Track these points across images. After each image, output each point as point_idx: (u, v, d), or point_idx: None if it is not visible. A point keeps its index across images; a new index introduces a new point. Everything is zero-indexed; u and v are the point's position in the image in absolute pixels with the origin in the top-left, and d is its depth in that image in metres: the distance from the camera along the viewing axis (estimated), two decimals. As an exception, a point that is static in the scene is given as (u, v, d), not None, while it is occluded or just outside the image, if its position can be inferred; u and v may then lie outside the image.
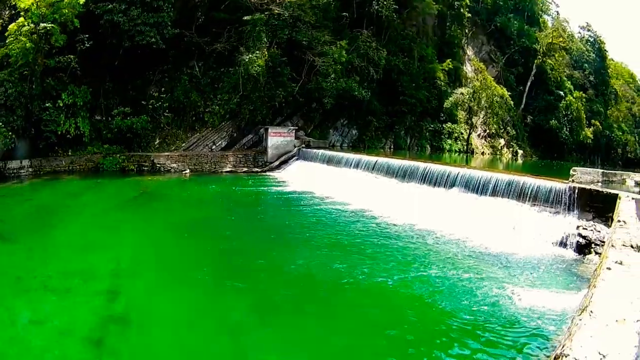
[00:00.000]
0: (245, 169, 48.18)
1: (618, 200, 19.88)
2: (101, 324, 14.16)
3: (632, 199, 19.48)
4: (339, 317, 15.83)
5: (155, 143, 46.44)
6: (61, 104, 39.39)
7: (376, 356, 13.65)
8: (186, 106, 48.33)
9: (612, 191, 22.07)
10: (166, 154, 45.03)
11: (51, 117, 38.85)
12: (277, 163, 50.03)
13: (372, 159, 41.23)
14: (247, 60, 47.46)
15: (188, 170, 44.63)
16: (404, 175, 36.53)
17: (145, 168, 43.38)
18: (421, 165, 35.93)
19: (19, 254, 19.63)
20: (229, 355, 13.37)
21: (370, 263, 20.43)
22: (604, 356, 7.08)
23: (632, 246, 12.25)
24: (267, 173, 48.08)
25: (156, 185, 38.23)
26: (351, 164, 42.44)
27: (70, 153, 40.96)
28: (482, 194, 29.34)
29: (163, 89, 46.76)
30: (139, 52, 44.28)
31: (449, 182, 32.30)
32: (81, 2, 38.48)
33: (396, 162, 38.53)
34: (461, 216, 27.46)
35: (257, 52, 48.00)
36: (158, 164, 44.01)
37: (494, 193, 28.59)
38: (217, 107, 48.92)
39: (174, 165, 44.70)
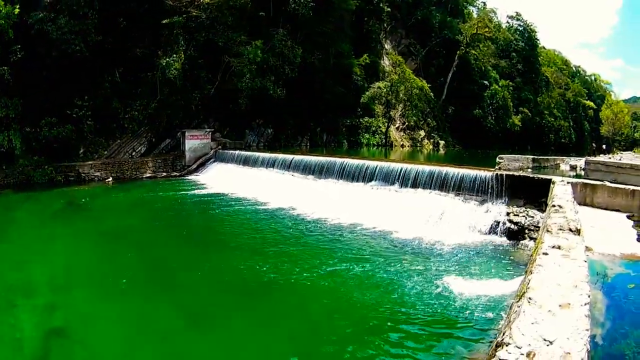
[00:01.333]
0: (164, 174, 47.80)
1: (552, 185, 20.23)
2: (45, 339, 14.16)
3: (568, 182, 19.91)
4: (267, 318, 15.89)
5: (80, 152, 45.46)
6: (-6, 118, 38.47)
7: (305, 353, 13.83)
8: (107, 113, 47.17)
9: (545, 176, 22.54)
10: (90, 162, 44.19)
11: (-17, 130, 38.03)
12: (195, 166, 49.88)
13: (288, 157, 41.36)
14: (164, 64, 47.19)
15: (111, 178, 44.02)
16: (321, 171, 36.56)
17: (72, 178, 42.45)
18: (338, 160, 35.98)
19: None
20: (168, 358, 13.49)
21: (296, 261, 20.54)
22: (550, 342, 6.79)
23: (570, 229, 12.36)
24: (186, 177, 47.79)
25: (82, 195, 37.58)
26: (267, 164, 42.63)
27: (4, 167, 39.50)
28: (403, 186, 29.51)
29: (86, 97, 45.33)
30: (66, 61, 43.41)
31: (367, 176, 32.40)
32: (16, 12, 38.30)
33: (312, 159, 38.60)
34: (383, 210, 27.50)
35: (174, 55, 47.76)
36: (83, 173, 43.14)
37: (415, 185, 28.80)
38: (136, 112, 48.08)
39: (98, 173, 43.92)
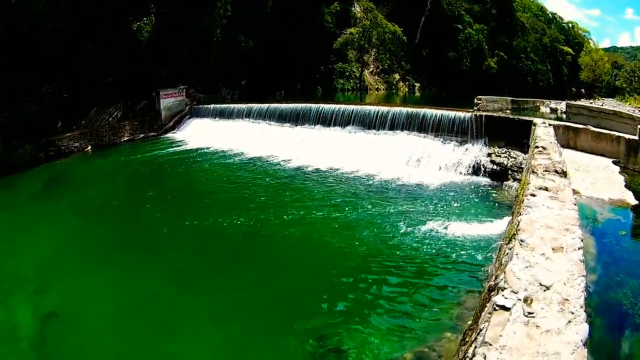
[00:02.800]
0: (142, 135, 46.82)
1: (533, 127, 20.19)
2: (40, 323, 14.17)
3: (550, 125, 19.83)
4: (256, 272, 16.05)
5: (59, 126, 44.56)
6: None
7: (300, 295, 14.30)
8: (81, 87, 45.92)
9: (526, 118, 22.54)
10: (68, 134, 43.25)
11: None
12: (171, 124, 49.11)
13: (264, 106, 41.06)
14: (135, 28, 46.37)
15: (89, 147, 43.25)
16: (297, 119, 36.48)
17: (52, 153, 41.19)
18: (313, 106, 35.87)
19: None
20: (161, 324, 13.57)
21: (279, 209, 20.62)
22: (547, 287, 6.75)
23: (556, 171, 12.32)
24: (163, 135, 47.13)
25: (63, 168, 37.06)
26: (243, 115, 42.38)
27: None
28: (381, 129, 29.51)
29: (58, 70, 44.30)
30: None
31: (344, 121, 32.36)
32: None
33: (287, 107, 38.45)
34: (363, 153, 27.63)
35: (145, 18, 46.90)
36: (62, 146, 42.14)
37: (393, 127, 28.84)
38: (110, 78, 46.95)
39: (77, 144, 43.07)
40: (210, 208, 22.16)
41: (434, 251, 15.71)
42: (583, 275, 7.05)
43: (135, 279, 16.46)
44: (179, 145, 40.72)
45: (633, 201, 14.03)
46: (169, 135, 46.57)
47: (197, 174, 30.22)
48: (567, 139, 19.61)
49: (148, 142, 43.91)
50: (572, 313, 6.15)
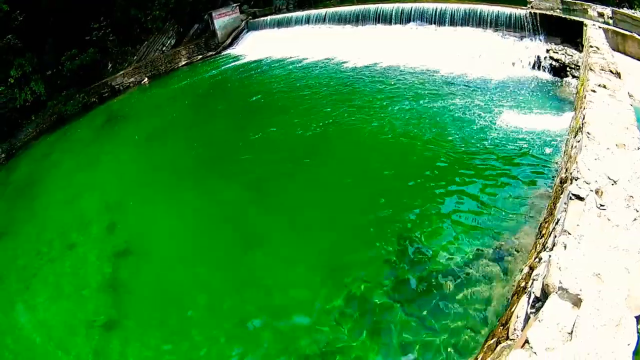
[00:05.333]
0: (200, 57, 47.32)
1: (585, 27, 20.10)
2: (113, 259, 15.39)
3: (599, 27, 19.72)
4: (332, 172, 16.82)
5: (109, 68, 45.37)
6: (12, 81, 38.48)
7: (373, 194, 14.94)
8: (127, 23, 46.65)
9: (578, 18, 22.26)
10: (121, 72, 44.14)
11: (6, 97, 38.17)
12: (229, 41, 49.23)
13: (322, 11, 40.87)
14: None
15: (146, 79, 43.88)
16: (357, 20, 36.41)
17: (106, 94, 42.38)
18: (372, 7, 35.60)
19: (28, 230, 19.97)
20: (241, 238, 14.60)
21: (347, 109, 21.18)
22: (614, 182, 7.55)
23: (611, 71, 12.65)
24: (222, 53, 47.35)
25: (120, 105, 37.80)
26: (302, 21, 42.17)
27: (34, 118, 40.16)
28: (441, 25, 29.42)
29: (102, 17, 44.98)
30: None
31: (404, 18, 32.33)
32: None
33: (347, 9, 38.16)
34: (425, 49, 27.69)
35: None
36: (116, 85, 43.16)
37: (453, 23, 28.72)
38: (157, 12, 47.30)
39: (132, 79, 43.93)
40: (274, 116, 22.70)
41: (501, 143, 16.12)
42: None
43: (208, 197, 17.31)
44: (237, 60, 40.82)
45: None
46: (228, 51, 46.50)
47: (257, 85, 30.34)
48: (616, 43, 19.39)
49: (206, 62, 43.94)
50: (637, 211, 6.86)
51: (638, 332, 5.28)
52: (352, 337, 10.45)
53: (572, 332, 5.39)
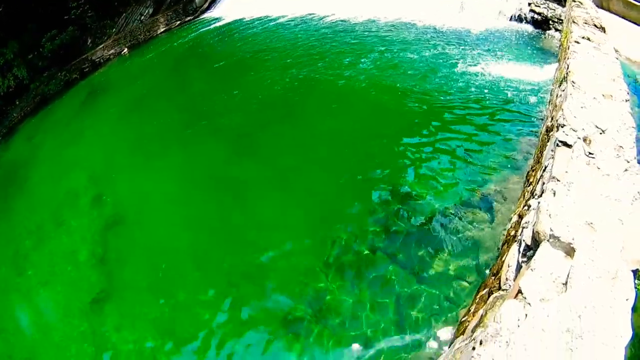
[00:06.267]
0: (178, 22, 46.03)
1: None
2: (101, 236, 15.36)
3: None
4: (313, 118, 17.14)
5: (89, 44, 44.73)
6: (-6, 70, 38.13)
7: (357, 145, 15.07)
8: (104, -4, 45.86)
9: None
10: (101, 46, 43.55)
11: (-10, 87, 37.58)
12: (206, 5, 47.50)
13: None
14: None
15: (126, 49, 43.23)
16: None
17: (87, 69, 41.67)
18: None
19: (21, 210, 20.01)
20: (227, 195, 14.79)
21: (326, 64, 21.11)
22: (603, 131, 7.52)
23: (595, 25, 12.61)
24: (200, 17, 46.02)
25: (101, 78, 37.44)
26: None
27: (18, 102, 39.59)
28: None
29: None
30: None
31: None
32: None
33: None
34: (402, 2, 27.07)
35: None
36: (96, 59, 42.48)
37: None
38: (133, -19, 46.48)
39: (112, 51, 43.21)
40: (254, 74, 22.57)
41: (484, 93, 16.09)
42: (633, 127, 7.71)
43: (192, 158, 17.40)
44: (216, 22, 40.04)
45: (672, 76, 13.54)
46: (205, 15, 45.50)
47: (235, 45, 30.05)
48: (600, 0, 19.06)
49: (184, 28, 43.21)
50: (628, 162, 6.86)
51: (636, 288, 5.28)
52: (342, 290, 10.59)
53: (566, 282, 5.38)
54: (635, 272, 5.47)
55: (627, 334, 4.77)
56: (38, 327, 13.38)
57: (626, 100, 8.49)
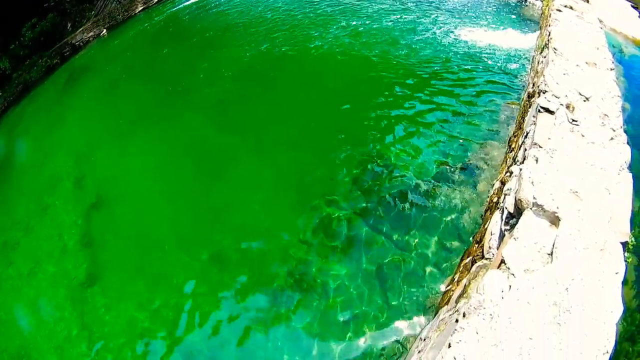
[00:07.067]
0: (155, 0, 46.05)
1: None
2: (85, 218, 15.19)
3: None
4: (289, 93, 16.91)
5: (69, 28, 43.91)
6: (-24, 64, 37.45)
7: (334, 112, 14.99)
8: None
9: None
10: (80, 29, 42.82)
11: (-27, 82, 36.91)
12: None
13: None
14: None
15: (104, 30, 42.55)
16: None
17: (67, 53, 40.82)
18: None
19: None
20: (206, 168, 14.69)
21: (298, 31, 21.02)
22: (587, 98, 7.35)
23: None
24: None
25: (81, 61, 36.77)
26: None
27: (1, 93, 38.72)
28: None
29: None
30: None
31: None
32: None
33: None
34: None
35: None
36: (76, 42, 41.61)
37: None
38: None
39: (91, 34, 42.36)
40: (225, 49, 22.48)
41: (463, 59, 15.86)
42: (619, 96, 7.53)
43: (172, 132, 17.30)
44: None
45: (658, 49, 13.38)
46: None
47: (212, 19, 29.85)
48: None
49: (162, 4, 42.00)
50: (614, 130, 6.71)
51: (626, 261, 5.16)
52: (324, 258, 10.52)
53: (552, 253, 5.23)
54: (624, 244, 5.33)
55: (618, 309, 4.65)
56: (29, 316, 13.28)
57: (611, 69, 8.35)
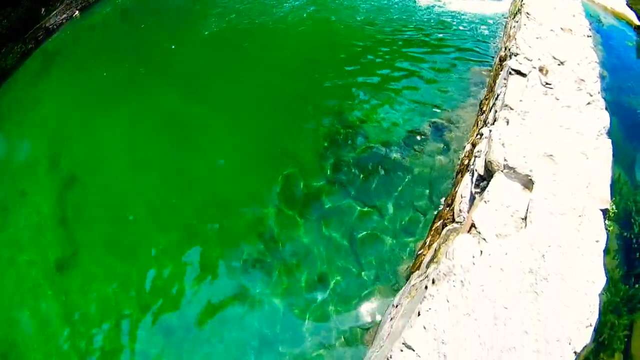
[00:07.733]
0: None
1: None
2: (60, 197, 14.93)
3: None
4: (264, 63, 16.62)
5: (42, 13, 42.66)
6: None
7: (306, 80, 14.93)
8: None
9: None
10: (54, 13, 41.74)
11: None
12: None
13: None
14: None
15: (77, 12, 41.58)
16: None
17: (41, 37, 39.99)
18: None
19: None
20: (181, 140, 14.53)
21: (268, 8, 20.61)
22: (562, 62, 7.16)
23: None
24: None
25: (53, 44, 34.14)
26: None
27: None
28: None
29: None
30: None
31: None
32: None
33: None
34: None
35: None
36: (50, 26, 40.42)
37: None
38: None
39: (64, 16, 41.24)
40: (204, 20, 22.12)
41: (434, 25, 15.92)
42: (596, 62, 7.36)
43: (145, 106, 17.17)
44: None
45: (637, 22, 13.18)
46: None
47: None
48: None
49: None
50: (591, 95, 6.51)
51: (606, 229, 4.94)
52: (296, 226, 10.47)
53: (525, 217, 5.02)
54: (604, 211, 5.12)
55: (601, 279, 4.43)
56: (7, 303, 12.72)
57: (588, 36, 8.17)
